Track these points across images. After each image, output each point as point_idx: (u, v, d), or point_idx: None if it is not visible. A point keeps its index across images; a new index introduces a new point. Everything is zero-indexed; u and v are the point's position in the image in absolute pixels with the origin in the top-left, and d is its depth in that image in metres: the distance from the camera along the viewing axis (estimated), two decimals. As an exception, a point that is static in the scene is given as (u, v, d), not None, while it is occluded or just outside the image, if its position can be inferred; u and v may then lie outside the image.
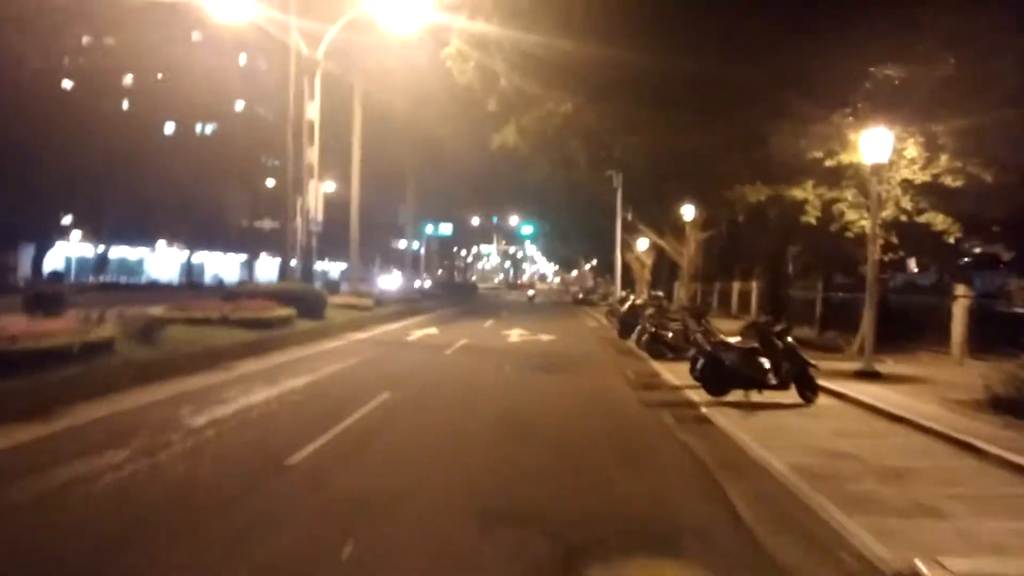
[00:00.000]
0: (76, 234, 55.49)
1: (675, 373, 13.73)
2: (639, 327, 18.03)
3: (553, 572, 4.46)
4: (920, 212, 15.24)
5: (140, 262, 66.61)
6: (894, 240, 16.10)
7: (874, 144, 13.00)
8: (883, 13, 12.69)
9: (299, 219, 23.38)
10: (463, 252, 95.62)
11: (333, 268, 73.89)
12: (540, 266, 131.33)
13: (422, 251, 66.82)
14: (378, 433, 8.10)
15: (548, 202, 44.95)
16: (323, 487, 6.08)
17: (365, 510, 5.53)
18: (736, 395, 10.79)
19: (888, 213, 15.18)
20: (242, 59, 67.23)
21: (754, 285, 29.63)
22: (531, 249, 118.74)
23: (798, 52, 14.68)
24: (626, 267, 40.33)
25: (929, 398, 10.78)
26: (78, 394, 9.29)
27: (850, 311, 20.53)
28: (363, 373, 13.34)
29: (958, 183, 14.18)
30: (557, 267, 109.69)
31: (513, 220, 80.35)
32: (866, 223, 15.23)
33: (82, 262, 59.96)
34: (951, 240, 15.17)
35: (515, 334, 22.33)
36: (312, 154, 23.65)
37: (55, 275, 46.14)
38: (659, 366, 15.02)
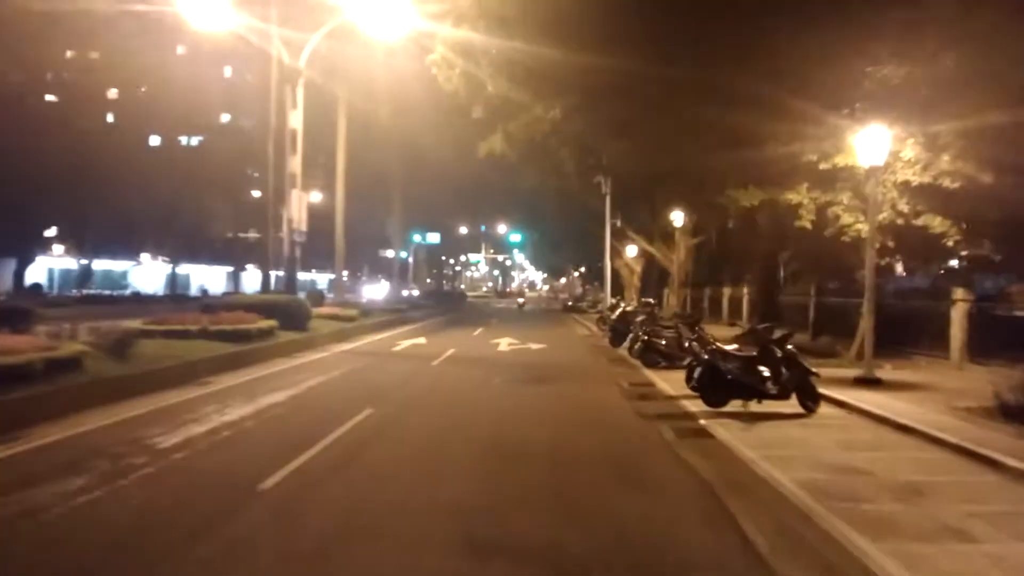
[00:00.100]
0: (59, 247, 54.63)
1: (670, 382, 13.29)
2: (631, 335, 17.58)
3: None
4: (917, 215, 14.91)
5: (124, 274, 65.68)
6: (890, 244, 15.76)
7: (871, 144, 12.63)
8: (881, 12, 12.32)
9: (284, 229, 22.86)
10: (451, 261, 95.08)
11: (321, 279, 73.23)
12: (529, 274, 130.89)
13: (410, 260, 66.32)
14: (359, 454, 7.57)
15: (537, 210, 44.62)
16: (297, 516, 5.56)
17: (342, 542, 5.03)
18: (735, 405, 10.34)
19: (884, 216, 14.84)
20: (227, 71, 66.67)
21: (745, 291, 29.30)
22: (520, 257, 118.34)
23: (792, 52, 14.33)
24: (615, 274, 39.98)
25: (935, 406, 10.36)
26: (38, 415, 8.73)
27: (843, 316, 20.17)
28: (346, 387, 12.81)
29: (956, 185, 13.82)
30: (546, 275, 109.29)
31: (501, 229, 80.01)
32: (862, 227, 14.89)
33: (66, 275, 59.04)
34: (950, 243, 14.81)
35: (504, 343, 21.85)
36: (295, 163, 23.14)
37: (34, 288, 45.27)
38: (653, 375, 14.57)
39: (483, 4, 17.31)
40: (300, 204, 23.22)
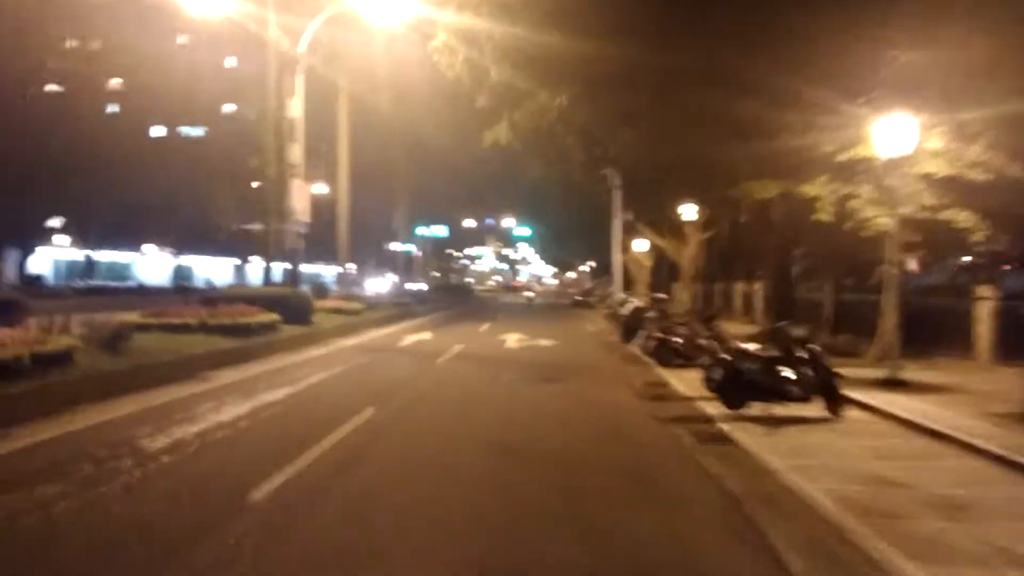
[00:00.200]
0: (63, 238, 54.37)
1: (685, 382, 12.77)
2: (644, 332, 17.04)
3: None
4: (942, 208, 14.31)
5: (129, 266, 65.45)
6: (914, 239, 15.18)
7: (894, 134, 12.06)
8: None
9: (291, 220, 22.40)
10: (459, 255, 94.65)
11: (328, 271, 72.83)
12: (536, 268, 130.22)
13: (417, 254, 65.92)
14: (358, 460, 7.09)
15: (544, 203, 44.07)
16: (288, 533, 5.08)
17: (335, 566, 4.55)
18: (755, 408, 9.83)
19: (907, 210, 14.25)
20: (230, 62, 66.24)
21: (758, 287, 28.72)
22: (527, 251, 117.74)
23: (807, 38, 13.75)
24: (625, 269, 39.38)
25: (966, 410, 9.82)
26: (22, 413, 8.29)
27: (861, 314, 19.60)
28: (348, 384, 12.34)
29: (984, 177, 13.23)
30: (555, 269, 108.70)
31: (508, 222, 79.52)
32: (884, 220, 14.31)
33: (70, 266, 58.86)
34: (977, 238, 14.23)
35: (513, 339, 21.35)
36: (296, 152, 22.65)
37: (35, 280, 45.02)
38: (667, 374, 14.05)
39: (485, -11, 16.78)
40: (302, 194, 22.74)
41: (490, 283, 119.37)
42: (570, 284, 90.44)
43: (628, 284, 40.85)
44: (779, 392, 9.74)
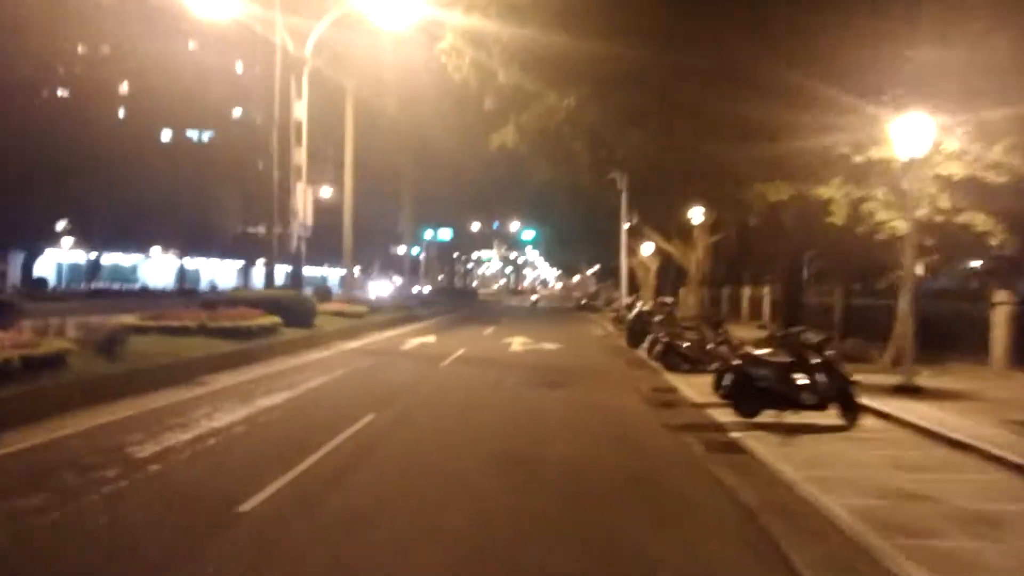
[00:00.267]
0: (68, 240, 54.23)
1: (694, 388, 12.44)
2: (651, 336, 16.72)
3: None
4: (958, 211, 13.97)
5: (134, 269, 65.33)
6: (929, 242, 14.85)
7: (911, 134, 11.73)
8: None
9: (294, 223, 22.16)
10: (463, 258, 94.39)
11: (333, 274, 72.68)
12: (541, 271, 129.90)
13: (422, 257, 65.65)
14: (355, 469, 6.78)
15: (550, 206, 43.68)
16: (278, 548, 4.79)
17: (325, 584, 4.26)
18: (768, 415, 9.51)
19: (923, 213, 13.91)
20: (239, 67, 66.16)
21: (766, 291, 28.37)
22: (532, 255, 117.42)
23: (821, 36, 13.44)
24: (630, 273, 39.04)
25: (985, 418, 9.48)
26: (8, 419, 8.02)
27: (870, 318, 19.25)
28: (348, 389, 12.06)
29: (1003, 179, 12.88)
30: (559, 272, 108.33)
31: (514, 226, 79.18)
32: (898, 224, 13.98)
33: (75, 269, 58.74)
34: (994, 242, 13.88)
35: (517, 343, 21.04)
36: (300, 155, 22.42)
37: (39, 283, 44.90)
38: (675, 380, 13.72)
39: (493, -10, 16.54)
40: (305, 197, 22.50)
41: (496, 287, 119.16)
42: (575, 288, 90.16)
43: (634, 288, 40.51)
44: (793, 399, 9.40)
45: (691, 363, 14.77)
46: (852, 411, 9.56)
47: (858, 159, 13.62)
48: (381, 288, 43.02)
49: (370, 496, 5.94)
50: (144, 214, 52.80)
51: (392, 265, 69.29)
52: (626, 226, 32.91)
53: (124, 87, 58.94)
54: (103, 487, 5.96)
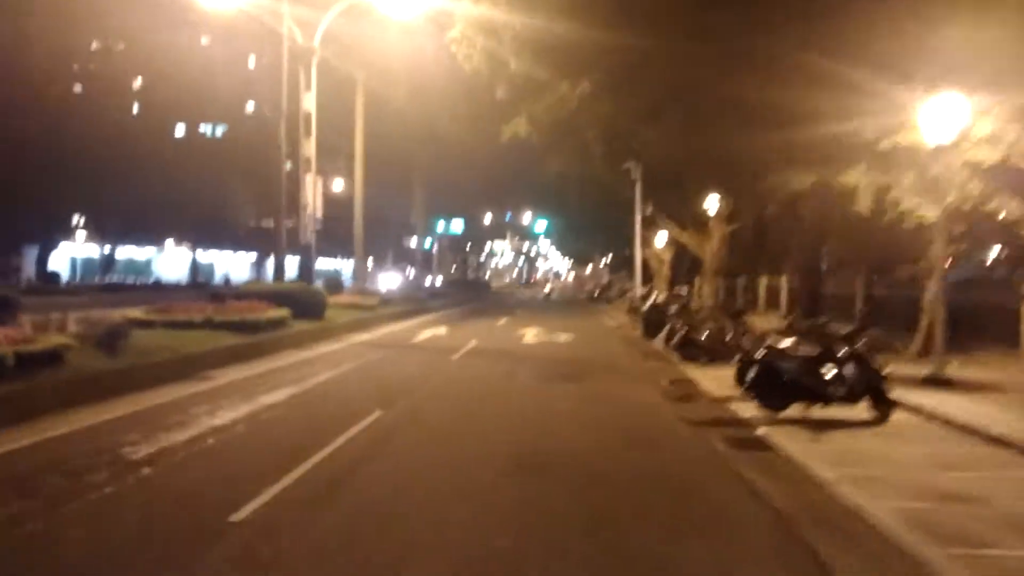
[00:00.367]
0: (82, 234, 54.25)
1: (714, 380, 11.98)
2: (668, 327, 16.25)
3: None
4: (988, 198, 13.38)
5: (148, 262, 65.36)
6: (958, 230, 14.29)
7: (943, 117, 11.19)
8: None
9: (303, 215, 21.80)
10: (476, 249, 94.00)
11: (346, 266, 72.40)
12: (553, 263, 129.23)
13: (434, 249, 65.34)
14: (357, 472, 6.36)
15: (562, 197, 43.11)
16: (269, 563, 4.39)
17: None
18: (793, 409, 9.05)
19: (951, 200, 13.34)
20: (251, 61, 65.92)
21: (783, 281, 27.79)
22: (545, 246, 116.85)
23: (846, 12, 12.87)
24: (644, 263, 38.48)
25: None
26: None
27: (892, 308, 18.71)
28: (356, 383, 11.68)
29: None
30: (572, 263, 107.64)
31: (526, 217, 78.70)
32: (926, 212, 13.42)
33: (89, 263, 58.80)
34: (1024, 230, 13.30)
35: (530, 334, 20.61)
36: (310, 147, 22.02)
37: (51, 277, 44.89)
38: (694, 372, 13.26)
39: (503, -22, 16.08)
40: (315, 189, 22.12)
41: (508, 279, 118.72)
42: (587, 279, 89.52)
43: (648, 279, 39.97)
44: (821, 393, 8.94)
45: (709, 355, 14.31)
46: (884, 405, 9.09)
47: (884, 145, 13.05)
48: (391, 280, 42.60)
49: (370, 505, 5.52)
50: (158, 208, 52.75)
51: (405, 257, 68.97)
52: (639, 215, 32.34)
53: (137, 82, 58.92)
54: (89, 494, 5.58)
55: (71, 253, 56.78)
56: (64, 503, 5.36)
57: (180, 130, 62.77)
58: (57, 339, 10.02)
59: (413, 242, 60.20)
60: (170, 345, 12.53)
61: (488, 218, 76.95)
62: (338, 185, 41.41)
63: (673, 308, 17.94)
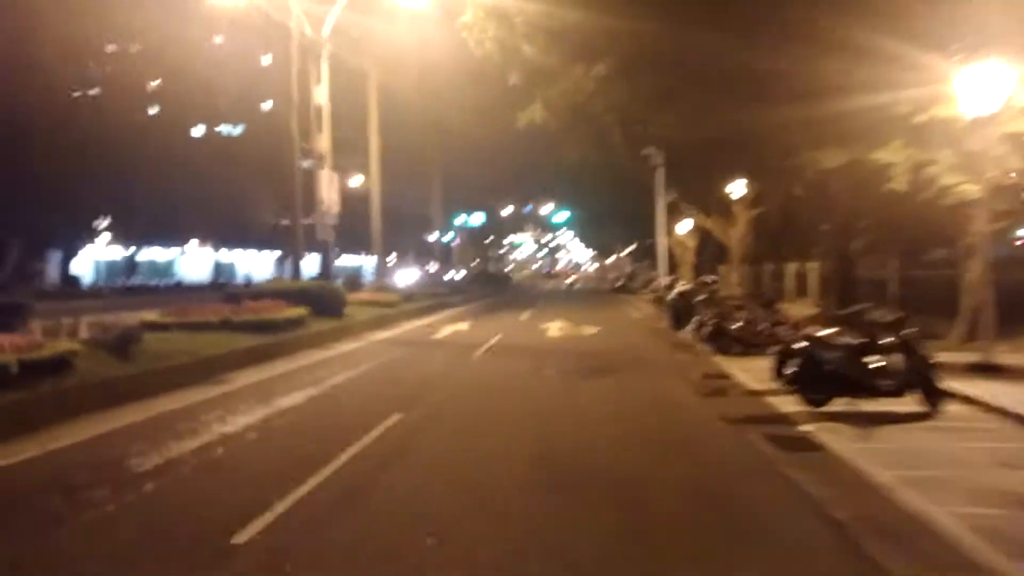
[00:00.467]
0: (104, 237, 54.49)
1: (749, 373, 11.41)
2: (697, 318, 15.67)
3: None
4: (1030, 172, 12.66)
5: (171, 264, 65.63)
6: (1001, 207, 13.55)
7: (984, 87, 10.53)
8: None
9: (319, 211, 21.46)
10: (497, 242, 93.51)
11: (368, 263, 72.18)
12: (575, 254, 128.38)
13: (454, 242, 64.97)
14: (373, 485, 5.88)
15: (583, 187, 42.55)
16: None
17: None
18: (837, 403, 8.49)
19: (992, 175, 12.63)
20: (267, 60, 65.87)
21: (813, 266, 27.02)
22: (566, 237, 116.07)
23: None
24: (667, 251, 37.81)
25: (1090, 401, 8.36)
26: (1, 429, 7.31)
27: (928, 292, 17.96)
28: (375, 384, 11.26)
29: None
30: (594, 254, 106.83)
31: (546, 208, 78.15)
32: (967, 188, 12.73)
33: (112, 266, 59.11)
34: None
35: (554, 328, 20.10)
36: (323, 141, 21.65)
37: (72, 281, 45.13)
38: (727, 364, 12.69)
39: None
40: (330, 185, 21.76)
41: (530, 271, 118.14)
42: (610, 269, 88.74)
43: (672, 267, 39.31)
44: (868, 385, 8.36)
45: (743, 345, 13.74)
46: (935, 397, 8.49)
47: (920, 118, 12.37)
48: (410, 275, 42.26)
49: (386, 522, 5.05)
50: (180, 209, 52.87)
51: (426, 252, 68.69)
52: (662, 202, 31.67)
53: (155, 84, 59.08)
54: (84, 513, 5.20)
55: (94, 256, 57.11)
56: (55, 525, 4.97)
57: (199, 130, 62.86)
58: (65, 345, 9.69)
59: (433, 237, 59.89)
60: (185, 348, 12.21)
61: (508, 210, 76.43)
62: (358, 181, 41.10)
63: (700, 297, 17.33)
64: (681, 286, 23.27)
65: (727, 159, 23.37)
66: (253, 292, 18.59)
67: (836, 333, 9.06)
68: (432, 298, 30.67)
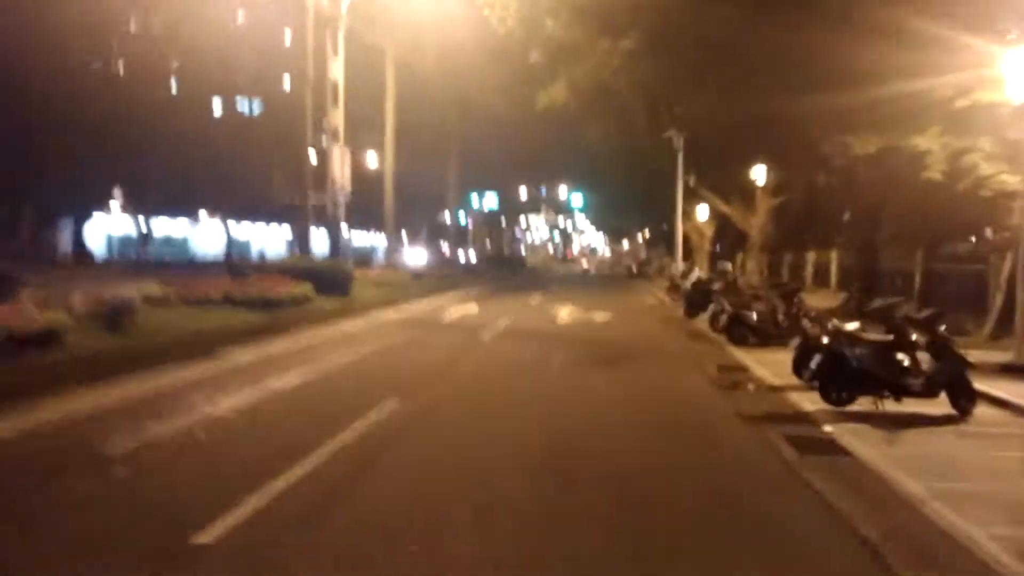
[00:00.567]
0: (118, 209, 54.35)
1: (767, 366, 10.88)
2: (714, 307, 15.11)
3: None
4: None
5: (185, 239, 65.50)
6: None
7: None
8: None
9: (331, 188, 20.99)
10: (512, 224, 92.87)
11: (382, 242, 71.76)
12: (589, 238, 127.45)
13: (468, 223, 64.48)
14: (356, 482, 5.38)
15: (600, 169, 41.87)
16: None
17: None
18: (861, 402, 7.98)
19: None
20: (287, 38, 65.31)
21: (834, 255, 26.36)
22: (581, 221, 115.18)
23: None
24: (684, 238, 37.13)
25: None
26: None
27: (954, 286, 17.33)
28: (374, 367, 10.83)
29: None
30: (608, 239, 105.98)
31: (562, 191, 77.39)
32: (1007, 178, 12.09)
33: (126, 240, 59.01)
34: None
35: (565, 313, 19.59)
36: (337, 116, 21.15)
37: (81, 255, 45.06)
38: (744, 356, 12.14)
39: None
40: (343, 161, 21.27)
41: (545, 253, 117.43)
42: (625, 254, 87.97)
43: (687, 254, 38.65)
44: (897, 385, 7.83)
45: (760, 337, 13.20)
46: (967, 399, 7.95)
47: (961, 103, 11.71)
48: (420, 255, 41.76)
49: (367, 526, 4.58)
50: (196, 183, 52.68)
51: (440, 233, 68.22)
52: (680, 187, 30.96)
53: (175, 60, 58.80)
54: (41, 500, 4.79)
55: (108, 229, 57.01)
56: (15, 515, 4.56)
57: (217, 106, 62.55)
58: (55, 317, 9.33)
59: (448, 217, 59.41)
60: (182, 323, 11.86)
61: (523, 193, 75.76)
62: (374, 159, 40.64)
63: (717, 285, 16.77)
64: (697, 274, 22.70)
65: (751, 144, 22.69)
66: (260, 268, 18.23)
67: (862, 328, 8.53)
68: (443, 279, 30.22)
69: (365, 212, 37.53)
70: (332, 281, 18.13)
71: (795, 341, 10.38)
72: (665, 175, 31.19)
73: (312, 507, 4.78)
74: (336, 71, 21.22)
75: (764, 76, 16.50)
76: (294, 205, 60.87)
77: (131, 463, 5.64)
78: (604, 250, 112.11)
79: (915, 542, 4.48)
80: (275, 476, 5.21)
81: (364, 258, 28.11)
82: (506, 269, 53.39)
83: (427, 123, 40.67)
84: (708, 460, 6.26)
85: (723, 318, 14.03)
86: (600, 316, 19.00)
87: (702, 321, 16.51)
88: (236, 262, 25.17)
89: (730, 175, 27.71)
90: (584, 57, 19.56)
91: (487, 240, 77.12)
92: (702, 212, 35.25)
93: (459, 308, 20.74)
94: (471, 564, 4.02)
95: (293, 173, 59.55)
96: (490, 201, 62.33)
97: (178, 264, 50.57)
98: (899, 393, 7.86)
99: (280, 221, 66.24)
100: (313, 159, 22.47)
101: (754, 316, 13.37)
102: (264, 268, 17.75)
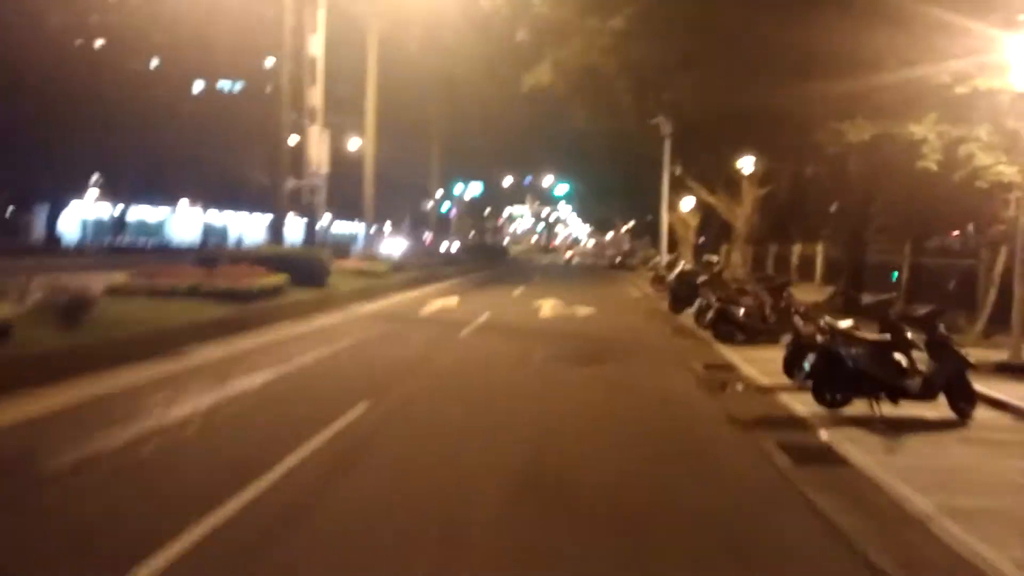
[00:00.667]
0: (93, 193, 53.19)
1: (755, 364, 10.50)
2: (701, 302, 14.70)
3: None
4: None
5: (161, 224, 64.33)
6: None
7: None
8: None
9: (307, 171, 20.33)
10: (494, 214, 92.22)
11: (362, 231, 70.97)
12: (573, 228, 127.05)
13: (452, 212, 63.79)
14: (316, 500, 4.90)
15: (585, 157, 41.44)
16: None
17: None
18: (856, 405, 7.61)
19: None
20: (266, 17, 63.96)
21: (819, 248, 26.06)
22: (565, 210, 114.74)
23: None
24: (668, 229, 36.75)
25: None
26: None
27: (942, 281, 17.06)
28: (347, 365, 10.32)
29: None
30: (592, 229, 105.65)
31: (547, 181, 76.91)
32: (1004, 169, 11.74)
33: (100, 224, 57.82)
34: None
35: (547, 307, 19.13)
36: (315, 95, 20.45)
37: (53, 242, 44.08)
38: (731, 354, 11.76)
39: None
40: (320, 143, 20.61)
41: (528, 244, 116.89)
42: (608, 245, 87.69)
43: (672, 245, 38.30)
44: (894, 386, 7.46)
45: (748, 334, 12.82)
46: (967, 402, 7.60)
47: (960, 90, 11.32)
48: (399, 245, 41.06)
49: (328, 550, 4.14)
50: (172, 167, 51.62)
51: (423, 221, 67.54)
52: (667, 176, 30.53)
53: (154, 38, 57.45)
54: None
55: (82, 214, 55.84)
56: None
57: (198, 87, 61.22)
58: (2, 310, 8.73)
59: (430, 206, 58.72)
60: (145, 317, 11.22)
61: (507, 181, 75.10)
62: (355, 144, 39.86)
63: (703, 279, 16.38)
64: (682, 266, 22.31)
65: (740, 133, 22.24)
66: (232, 256, 17.59)
67: (855, 325, 8.14)
68: (423, 269, 29.61)
69: (347, 200, 36.80)
70: (308, 271, 17.52)
71: (786, 339, 10.04)
72: (651, 162, 30.74)
73: (272, 527, 4.31)
74: (315, 47, 20.49)
75: (757, 61, 16.08)
76: (271, 190, 59.92)
77: (69, 483, 5.10)
78: (588, 241, 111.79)
79: (927, 564, 4.08)
80: (239, 488, 4.75)
81: (343, 247, 27.47)
82: (488, 259, 52.81)
83: (410, 106, 39.95)
84: (696, 471, 5.83)
85: (709, 314, 13.62)
86: (583, 310, 18.53)
87: (687, 316, 16.12)
88: (208, 251, 24.37)
89: (717, 164, 27.29)
90: (571, 37, 19.01)
91: (471, 230, 76.45)
92: (688, 202, 34.89)
93: (439, 301, 20.22)
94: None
95: (271, 157, 58.64)
96: (474, 189, 61.61)
97: (152, 251, 49.70)
98: (896, 395, 7.50)
99: (259, 208, 65.22)
100: (295, 144, 21.80)
101: (741, 312, 12.98)
102: (237, 257, 17.09)
